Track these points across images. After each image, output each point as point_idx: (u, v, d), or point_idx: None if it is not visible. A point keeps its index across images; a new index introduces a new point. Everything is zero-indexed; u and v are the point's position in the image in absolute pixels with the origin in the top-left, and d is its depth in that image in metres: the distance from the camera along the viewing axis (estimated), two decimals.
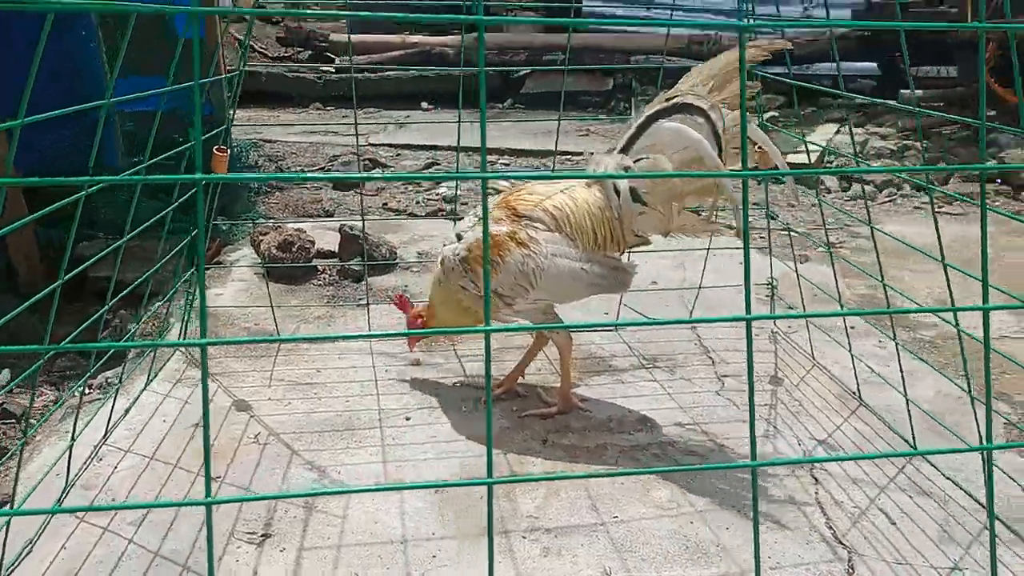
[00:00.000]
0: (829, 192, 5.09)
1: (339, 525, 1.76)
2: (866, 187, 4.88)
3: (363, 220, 3.00)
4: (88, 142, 3.68)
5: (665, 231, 2.12)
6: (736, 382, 2.46)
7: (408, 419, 2.23)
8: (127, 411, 2.23)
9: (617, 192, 2.08)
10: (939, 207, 4.76)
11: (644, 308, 2.96)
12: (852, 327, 2.86)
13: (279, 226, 3.50)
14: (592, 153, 2.19)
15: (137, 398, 2.31)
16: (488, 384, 0.89)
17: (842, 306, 2.83)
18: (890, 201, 4.87)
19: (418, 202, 4.89)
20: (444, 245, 2.21)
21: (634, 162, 2.05)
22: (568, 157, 6.04)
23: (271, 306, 2.67)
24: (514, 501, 1.85)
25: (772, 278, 2.91)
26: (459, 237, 2.16)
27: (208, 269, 3.53)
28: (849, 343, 2.39)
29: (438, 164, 5.90)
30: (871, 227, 2.22)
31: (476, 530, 1.75)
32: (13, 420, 2.72)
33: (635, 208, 2.06)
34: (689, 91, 2.00)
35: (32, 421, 2.74)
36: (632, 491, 1.90)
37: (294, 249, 3.26)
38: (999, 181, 4.96)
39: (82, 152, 3.71)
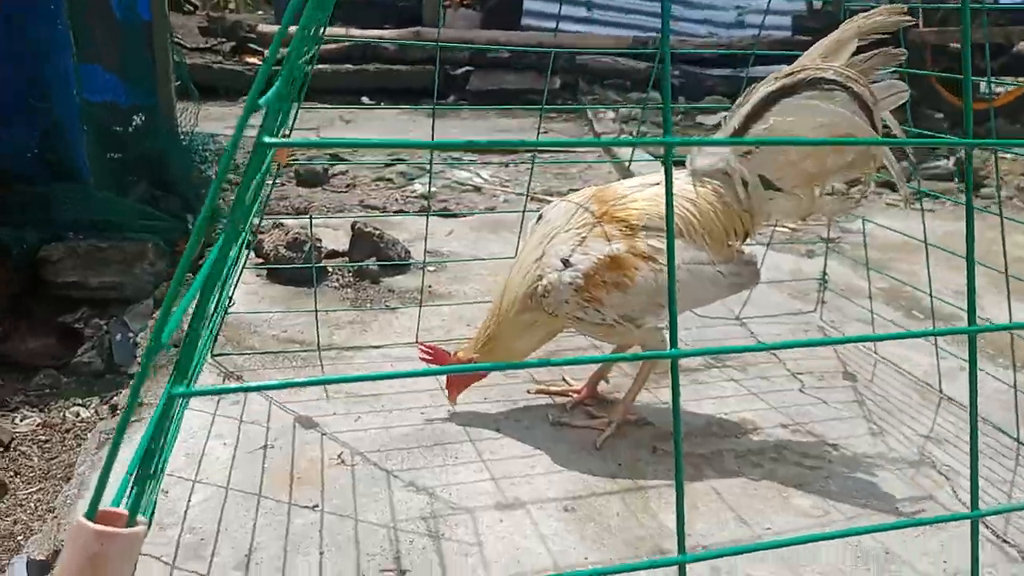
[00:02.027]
0: None
1: (478, 554, 1.56)
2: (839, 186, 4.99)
3: (436, 216, 2.76)
4: (51, 137, 3.29)
5: (804, 215, 1.97)
6: (813, 379, 2.39)
7: (498, 431, 2.04)
8: (171, 433, 1.94)
9: (744, 183, 1.90)
10: (912, 204, 4.93)
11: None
12: (891, 321, 2.88)
13: (280, 223, 3.21)
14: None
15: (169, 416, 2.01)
16: (677, 424, 0.72)
17: (872, 299, 2.82)
18: (863, 197, 4.99)
19: (396, 199, 4.64)
20: (546, 273, 1.85)
21: (756, 146, 1.88)
22: (550, 153, 5.90)
23: (315, 311, 2.40)
24: (655, 517, 1.70)
25: (825, 274, 2.86)
26: (565, 263, 1.86)
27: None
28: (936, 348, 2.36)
29: (403, 160, 5.64)
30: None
31: (628, 551, 1.59)
32: (1, 449, 2.34)
33: (766, 195, 1.91)
34: (818, 65, 1.81)
35: (22, 449, 2.38)
36: (771, 500, 1.78)
37: (305, 248, 2.98)
38: (958, 180, 5.19)
39: (44, 148, 3.30)
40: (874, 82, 1.80)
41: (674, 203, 1.88)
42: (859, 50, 1.80)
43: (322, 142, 0.60)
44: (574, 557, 1.57)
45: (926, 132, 3.45)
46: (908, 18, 1.77)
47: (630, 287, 1.81)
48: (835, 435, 2.07)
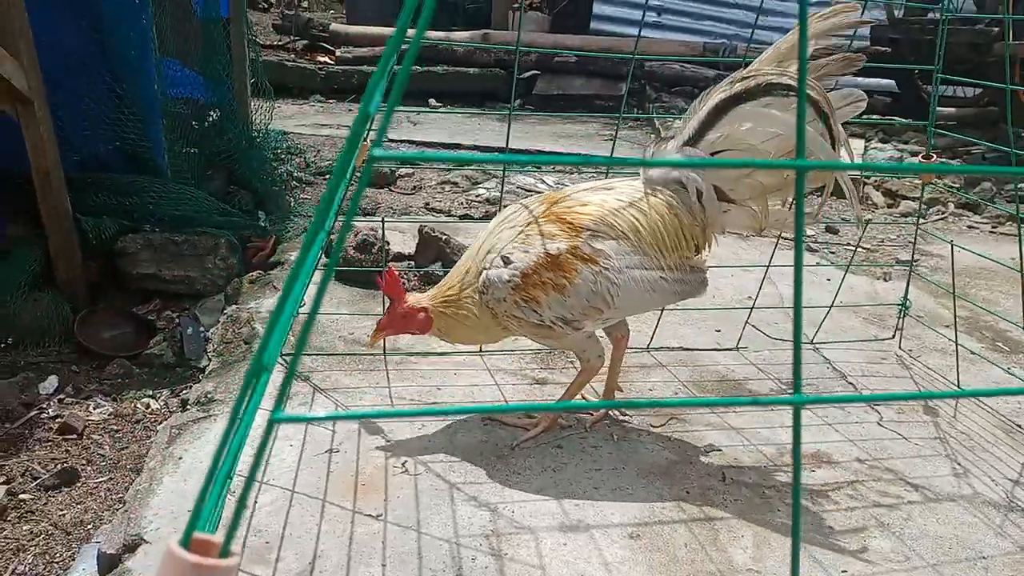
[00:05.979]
0: (876, 208, 5.01)
1: None
2: (915, 204, 4.80)
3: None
4: (132, 130, 3.36)
5: (759, 228, 1.90)
6: (891, 412, 2.29)
7: (560, 447, 2.00)
8: (241, 434, 1.95)
9: (699, 192, 1.83)
10: (993, 227, 4.71)
11: (736, 326, 2.76)
12: (973, 352, 2.74)
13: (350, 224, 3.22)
14: (655, 141, 1.96)
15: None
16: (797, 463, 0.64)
17: (956, 331, 2.69)
18: (941, 219, 4.81)
19: (461, 203, 4.65)
20: (488, 268, 1.86)
21: (711, 155, 1.82)
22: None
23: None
24: (724, 551, 1.64)
25: (906, 299, 2.75)
26: (506, 260, 1.84)
27: (273, 271, 3.24)
28: None
29: (469, 164, 5.65)
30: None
31: None
32: (75, 436, 2.41)
33: (720, 207, 1.84)
34: (773, 70, 1.74)
35: (94, 437, 2.44)
36: (847, 540, 1.71)
37: (374, 250, 2.99)
38: None
39: (125, 140, 3.39)
40: (831, 89, 1.73)
41: (623, 211, 1.86)
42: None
43: (428, 156, 0.57)
44: None
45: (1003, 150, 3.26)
46: (866, 20, 1.70)
47: (568, 288, 1.79)
48: (916, 474, 1.97)
